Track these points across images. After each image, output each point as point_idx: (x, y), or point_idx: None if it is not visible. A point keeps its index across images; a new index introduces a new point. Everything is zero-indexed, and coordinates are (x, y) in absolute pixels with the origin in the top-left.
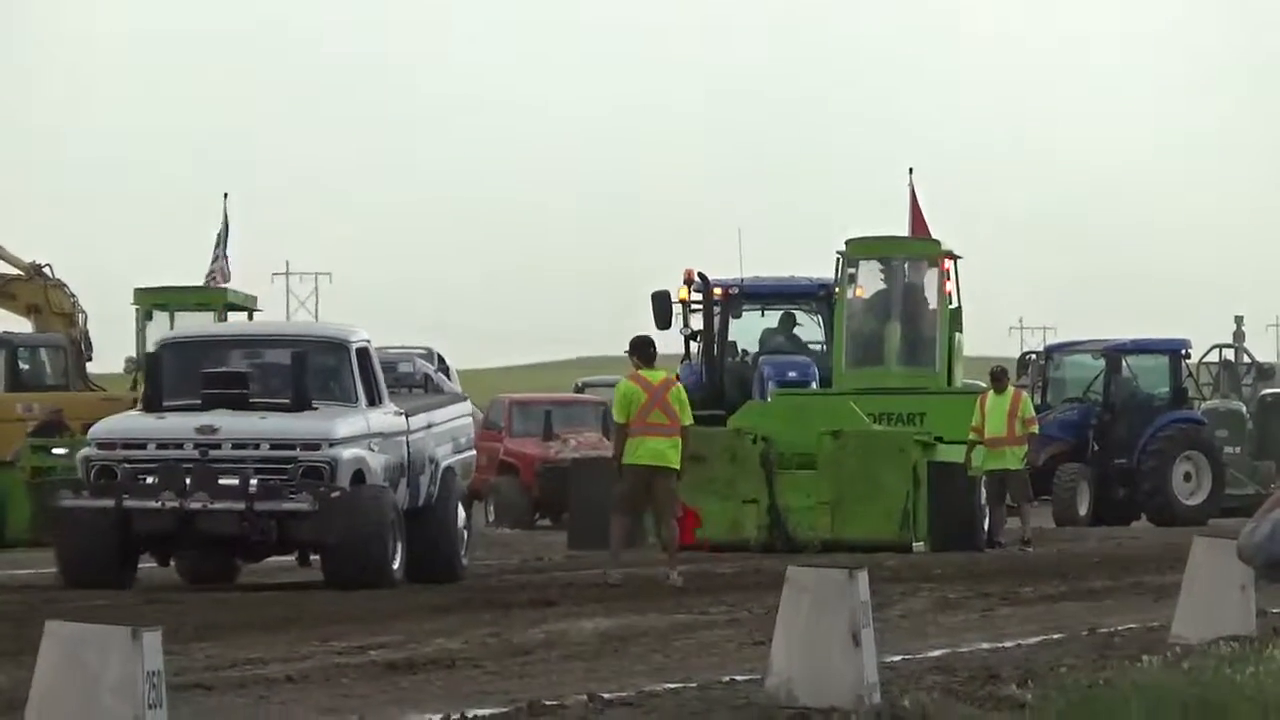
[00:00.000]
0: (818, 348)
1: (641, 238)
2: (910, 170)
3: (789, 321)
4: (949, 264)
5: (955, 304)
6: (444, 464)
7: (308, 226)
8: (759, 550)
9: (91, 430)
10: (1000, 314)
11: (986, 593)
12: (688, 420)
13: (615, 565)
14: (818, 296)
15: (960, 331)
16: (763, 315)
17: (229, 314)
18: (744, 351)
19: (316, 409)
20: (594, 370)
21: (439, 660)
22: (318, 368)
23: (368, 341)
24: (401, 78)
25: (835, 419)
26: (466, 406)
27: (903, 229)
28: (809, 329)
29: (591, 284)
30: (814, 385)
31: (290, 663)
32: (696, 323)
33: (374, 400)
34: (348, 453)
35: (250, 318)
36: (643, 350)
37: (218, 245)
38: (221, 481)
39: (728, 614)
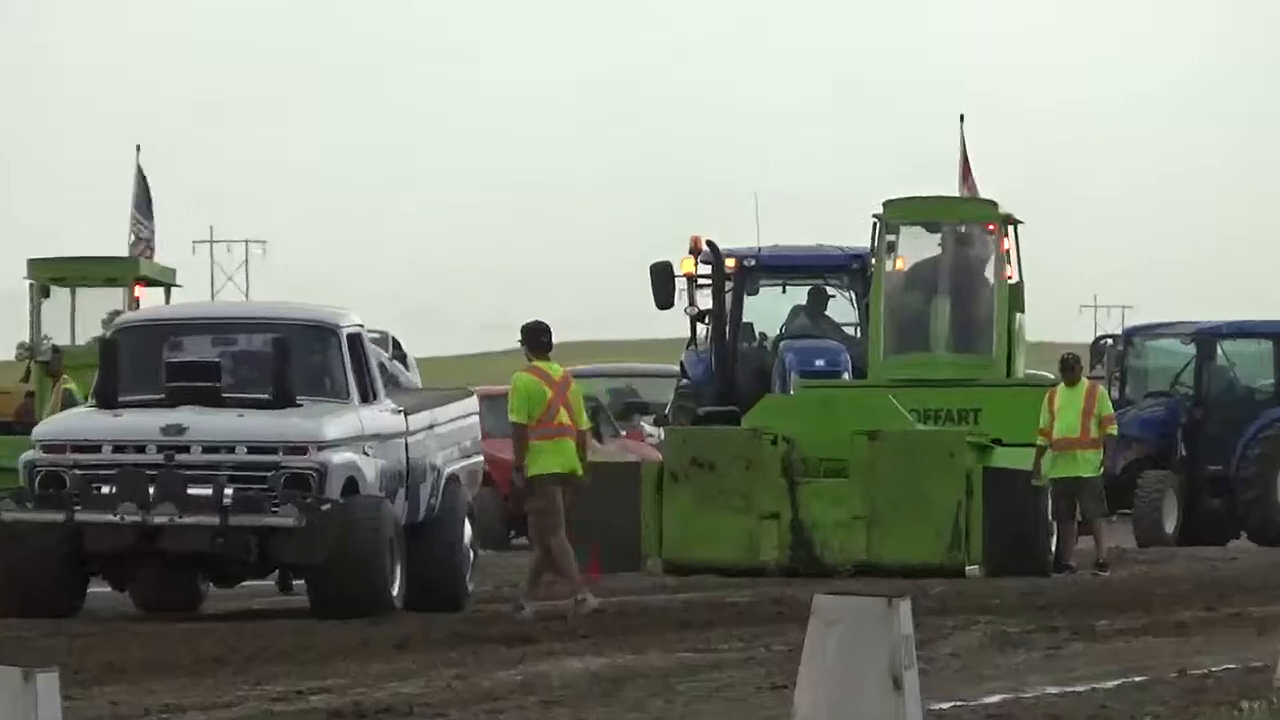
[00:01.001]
0: (850, 330)
1: (636, 204)
2: (961, 118)
3: (819, 298)
4: (1008, 230)
5: (1016, 278)
6: (447, 471)
7: (237, 186)
8: (779, 575)
9: (36, 430)
10: (1070, 290)
11: (1054, 626)
12: (585, 423)
13: (586, 589)
14: (850, 269)
15: (1022, 311)
16: (784, 292)
17: (143, 290)
18: (762, 335)
19: (301, 406)
20: (582, 357)
21: (393, 707)
22: (303, 357)
23: (361, 326)
24: (359, 10)
25: (871, 416)
26: (473, 403)
27: (952, 188)
28: (839, 308)
29: (576, 258)
30: (846, 376)
31: (213, 710)
32: (705, 301)
33: (368, 396)
34: (339, 457)
35: (168, 295)
36: (535, 338)
37: (138, 209)
38: (191, 491)
39: (742, 652)
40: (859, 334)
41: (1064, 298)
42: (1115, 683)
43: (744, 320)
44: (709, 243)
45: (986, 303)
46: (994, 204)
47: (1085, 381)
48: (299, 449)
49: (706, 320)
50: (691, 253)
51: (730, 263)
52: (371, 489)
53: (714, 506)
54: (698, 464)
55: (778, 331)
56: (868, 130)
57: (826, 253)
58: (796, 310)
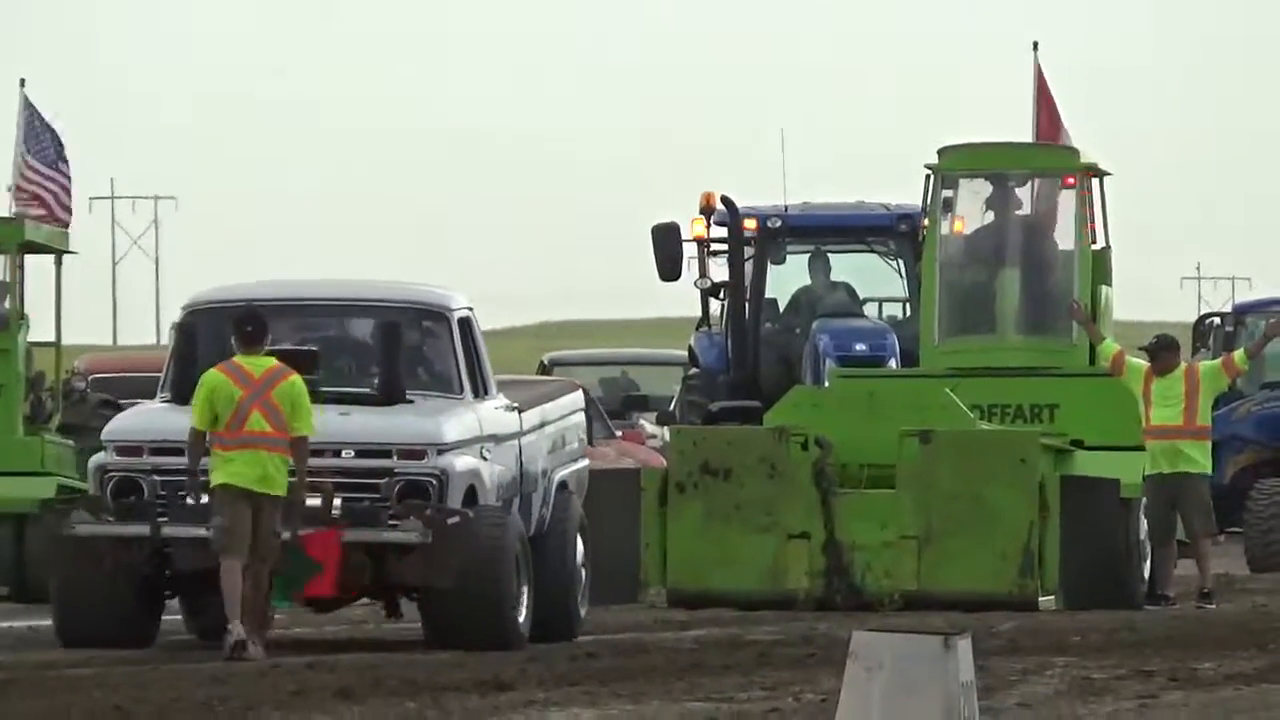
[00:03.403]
0: (897, 308)
1: (631, 155)
2: (1035, 46)
3: (823, 263)
4: (1092, 184)
5: (1101, 243)
6: (557, 478)
7: (144, 131)
8: (810, 608)
9: (108, 429)
10: (1169, 258)
11: (1147, 670)
12: (305, 427)
13: (253, 633)
14: (897, 232)
15: (1109, 284)
16: (815, 260)
17: (24, 256)
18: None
19: (413, 403)
20: (570, 340)
21: None
22: (410, 346)
23: (470, 310)
24: None
25: (924, 413)
26: (580, 399)
27: (1024, 133)
28: (880, 278)
29: (562, 220)
30: (893, 363)
31: None
32: (719, 271)
33: (479, 390)
34: (461, 463)
35: (59, 263)
36: (239, 329)
37: (33, 154)
38: None
39: (765, 702)
40: (906, 311)
41: (1162, 267)
42: None
43: (767, 295)
44: (724, 199)
45: (1065, 273)
46: (1075, 152)
47: (1182, 368)
48: (416, 453)
49: (721, 295)
50: (703, 212)
51: (750, 224)
52: (490, 498)
53: (730, 524)
54: (710, 471)
55: (806, 307)
56: (922, 64)
57: (868, 211)
58: (821, 285)
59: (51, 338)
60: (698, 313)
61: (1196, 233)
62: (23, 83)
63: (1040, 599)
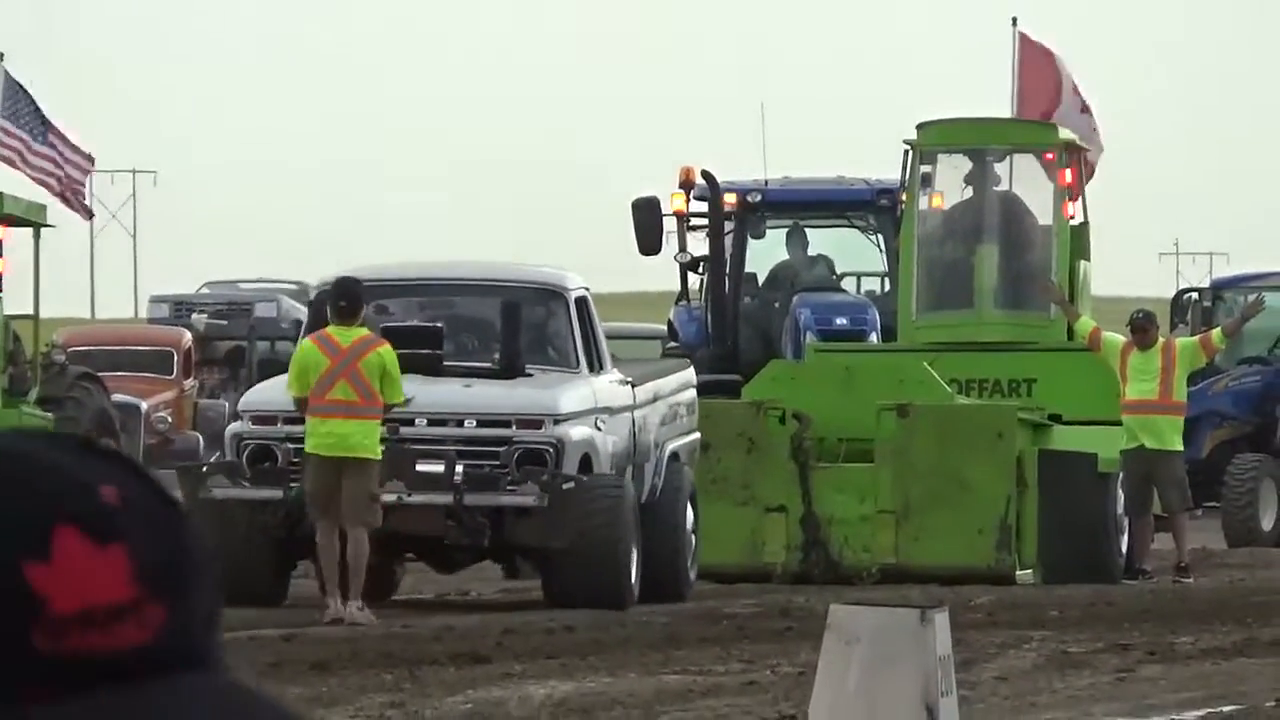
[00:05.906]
0: (875, 283)
1: (618, 127)
2: (1014, 21)
3: (801, 237)
4: (1071, 160)
5: (1080, 219)
6: (669, 449)
7: (122, 104)
8: (788, 581)
9: (244, 399)
10: (1147, 234)
11: (1125, 644)
12: (394, 396)
13: (334, 596)
14: (877, 206)
15: (1087, 259)
16: (793, 234)
17: (6, 230)
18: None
19: (531, 376)
20: None
21: None
22: (530, 323)
23: (586, 289)
24: None
25: (902, 387)
26: (691, 374)
27: (1003, 108)
28: (859, 252)
29: (542, 193)
30: (873, 338)
31: None
32: (699, 246)
33: (594, 365)
34: (576, 432)
35: (37, 235)
36: (336, 300)
37: (22, 121)
38: (421, 468)
39: (742, 675)
40: (885, 286)
41: (1140, 243)
42: (1199, 712)
43: (747, 269)
44: (704, 174)
45: (1043, 249)
46: (1053, 128)
47: (1160, 342)
48: (534, 423)
49: (701, 269)
50: (683, 186)
51: (730, 199)
52: (604, 467)
53: (708, 497)
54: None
55: (785, 281)
56: (904, 38)
57: (848, 186)
58: (800, 259)
59: (29, 310)
60: (677, 287)
61: (1175, 208)
62: (1, 55)
63: (1018, 573)
